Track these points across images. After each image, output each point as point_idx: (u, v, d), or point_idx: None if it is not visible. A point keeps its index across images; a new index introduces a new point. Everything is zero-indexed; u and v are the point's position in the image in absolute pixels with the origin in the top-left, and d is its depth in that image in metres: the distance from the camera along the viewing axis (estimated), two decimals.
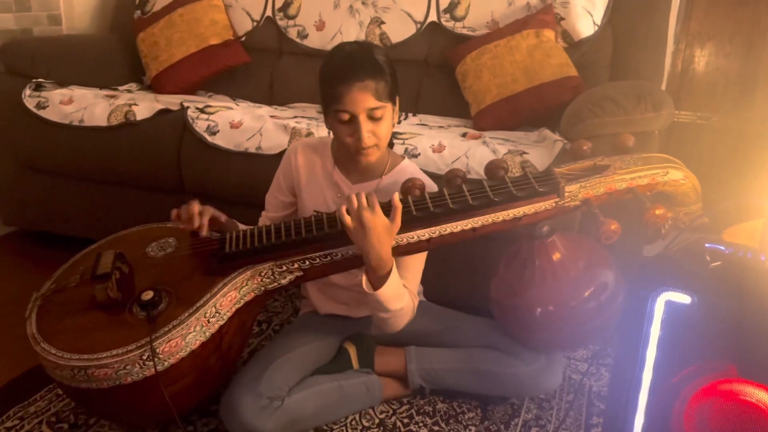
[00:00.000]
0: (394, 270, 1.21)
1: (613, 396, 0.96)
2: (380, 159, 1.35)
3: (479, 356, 1.41)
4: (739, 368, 0.80)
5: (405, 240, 1.22)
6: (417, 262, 1.36)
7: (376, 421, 1.40)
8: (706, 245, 0.86)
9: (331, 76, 1.25)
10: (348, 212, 1.15)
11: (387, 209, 1.17)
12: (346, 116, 1.24)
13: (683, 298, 0.80)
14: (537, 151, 1.68)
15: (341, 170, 1.39)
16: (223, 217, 1.32)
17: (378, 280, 1.20)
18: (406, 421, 1.40)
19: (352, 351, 1.44)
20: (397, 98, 1.32)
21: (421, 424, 1.39)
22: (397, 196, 1.17)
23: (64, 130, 2.04)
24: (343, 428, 1.37)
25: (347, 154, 1.32)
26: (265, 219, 1.50)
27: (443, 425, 1.39)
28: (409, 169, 1.42)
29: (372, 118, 1.24)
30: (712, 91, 2.56)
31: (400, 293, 1.25)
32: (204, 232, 1.26)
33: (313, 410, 1.31)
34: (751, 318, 0.76)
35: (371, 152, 1.28)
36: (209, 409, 1.39)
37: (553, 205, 1.23)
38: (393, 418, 1.41)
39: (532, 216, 1.24)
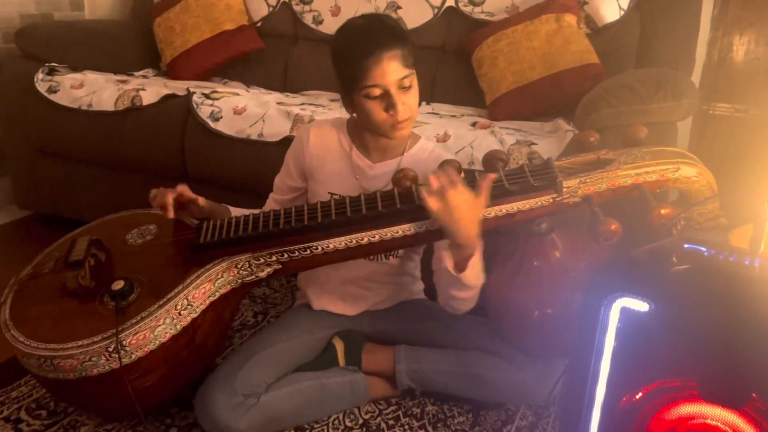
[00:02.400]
0: (479, 251, 1.13)
1: (564, 414, 0.86)
2: (404, 137, 1.30)
3: (472, 359, 1.34)
4: (701, 387, 0.70)
5: (389, 236, 1.15)
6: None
7: (360, 421, 1.34)
8: (685, 246, 0.76)
9: (352, 53, 1.18)
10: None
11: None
12: (377, 91, 1.18)
13: (640, 305, 0.70)
14: (547, 141, 1.58)
15: (359, 149, 1.33)
16: (200, 201, 1.26)
17: (461, 261, 1.12)
18: (391, 422, 1.34)
19: (340, 347, 1.38)
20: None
21: (406, 427, 1.33)
22: (491, 177, 1.09)
23: (74, 114, 2.03)
24: (325, 428, 1.32)
25: (378, 133, 1.25)
26: (271, 201, 1.46)
27: (430, 429, 1.33)
28: (428, 146, 1.36)
29: (402, 87, 1.19)
30: (750, 82, 2.39)
31: (480, 273, 1.16)
32: (170, 214, 1.20)
33: (292, 409, 1.26)
34: (718, 329, 0.66)
35: (406, 125, 1.22)
36: (190, 401, 1.35)
37: (550, 200, 1.15)
38: (378, 419, 1.35)
39: (528, 212, 1.16)
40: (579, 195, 1.15)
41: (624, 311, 0.71)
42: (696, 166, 1.17)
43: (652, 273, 0.72)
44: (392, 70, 1.17)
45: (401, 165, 1.31)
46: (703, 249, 0.75)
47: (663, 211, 1.08)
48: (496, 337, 1.35)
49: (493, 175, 1.10)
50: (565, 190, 1.13)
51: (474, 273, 1.14)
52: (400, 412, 1.37)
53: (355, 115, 1.28)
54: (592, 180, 1.14)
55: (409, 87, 1.20)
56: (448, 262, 1.13)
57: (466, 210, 1.06)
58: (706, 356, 0.67)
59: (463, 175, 1.14)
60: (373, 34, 1.18)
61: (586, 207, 1.17)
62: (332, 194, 1.33)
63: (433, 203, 1.05)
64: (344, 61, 1.21)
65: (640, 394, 0.72)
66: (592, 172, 1.14)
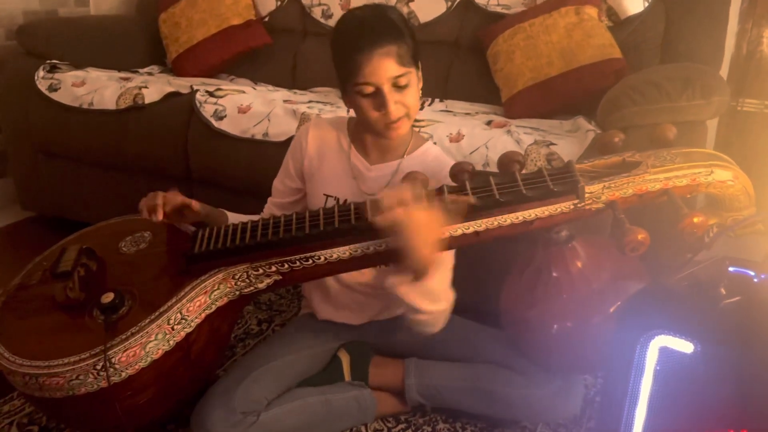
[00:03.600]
0: (437, 271, 1.04)
1: None
2: (402, 138, 1.22)
3: (487, 374, 1.25)
4: None
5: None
6: (447, 255, 1.19)
7: None
8: (730, 269, 0.67)
9: (345, 47, 1.12)
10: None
11: None
12: (369, 89, 1.11)
13: (684, 346, 0.60)
14: (567, 142, 1.49)
15: (358, 150, 1.26)
16: (193, 205, 1.19)
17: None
18: None
19: (346, 360, 1.31)
20: (420, 63, 1.18)
21: None
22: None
23: (74, 113, 1.98)
24: None
25: (373, 132, 1.19)
26: (270, 205, 1.39)
27: None
28: (432, 151, 1.28)
29: (397, 86, 1.12)
30: None
31: (440, 294, 1.07)
32: (159, 216, 1.14)
33: (294, 427, 1.19)
34: None
35: (401, 124, 1.15)
36: (188, 417, 1.28)
37: (571, 207, 1.06)
38: None
39: (547, 219, 1.07)
40: (603, 201, 1.06)
41: (664, 351, 0.62)
42: (731, 169, 1.07)
43: (697, 307, 0.63)
44: (385, 69, 1.09)
45: (400, 168, 1.23)
46: (752, 274, 0.65)
47: (696, 220, 0.98)
48: (513, 351, 1.26)
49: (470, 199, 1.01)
50: (587, 195, 1.04)
51: (426, 295, 1.04)
52: (409, 431, 1.29)
53: (353, 112, 1.21)
54: (617, 185, 1.05)
55: (406, 86, 1.12)
56: (398, 285, 1.03)
57: (420, 232, 0.97)
58: (760, 406, 0.58)
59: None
60: (367, 29, 1.11)
61: (609, 213, 1.08)
62: (327, 195, 1.25)
63: (380, 222, 0.97)
64: (339, 55, 1.15)
65: None
66: (617, 176, 1.05)
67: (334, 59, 1.17)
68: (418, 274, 1.02)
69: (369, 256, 1.08)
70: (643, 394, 0.64)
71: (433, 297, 1.06)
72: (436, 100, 2.06)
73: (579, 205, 1.05)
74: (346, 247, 1.07)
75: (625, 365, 0.64)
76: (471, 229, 1.06)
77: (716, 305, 0.63)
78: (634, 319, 0.64)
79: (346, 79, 1.13)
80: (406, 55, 1.11)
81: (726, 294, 0.64)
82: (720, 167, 1.06)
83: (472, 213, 1.05)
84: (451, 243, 1.07)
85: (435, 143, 1.52)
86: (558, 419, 1.29)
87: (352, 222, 1.06)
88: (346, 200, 1.23)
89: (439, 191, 1.06)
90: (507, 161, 1.13)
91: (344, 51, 1.12)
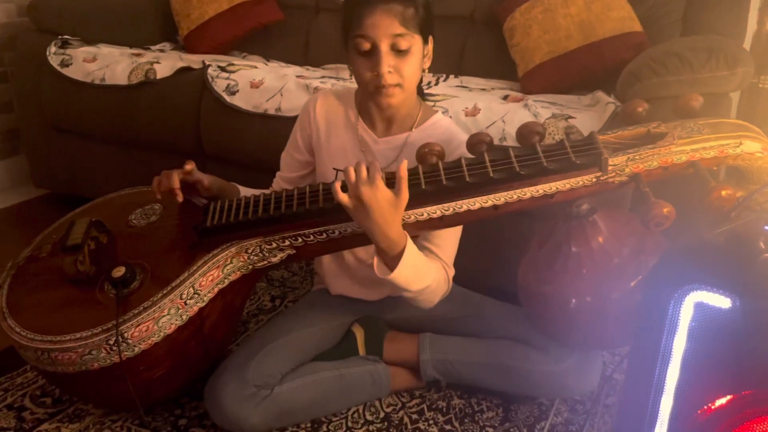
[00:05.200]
0: (410, 247, 1.04)
1: (622, 428, 0.74)
2: (409, 110, 1.20)
3: (503, 349, 1.23)
4: None
5: (413, 217, 1.04)
6: (451, 229, 1.19)
7: (381, 414, 1.25)
8: (766, 227, 0.64)
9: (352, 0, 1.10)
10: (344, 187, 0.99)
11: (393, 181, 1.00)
12: (366, 44, 1.08)
13: (721, 301, 0.57)
14: (585, 115, 1.45)
15: (366, 122, 1.24)
16: (205, 181, 1.17)
17: (391, 261, 1.04)
18: (414, 417, 1.25)
19: (360, 335, 1.29)
20: (431, 39, 1.15)
21: (431, 422, 1.23)
22: (404, 166, 0.99)
23: (86, 88, 1.96)
24: (343, 421, 1.23)
25: (368, 97, 1.16)
26: (279, 180, 1.36)
27: (456, 424, 1.23)
28: (442, 123, 1.24)
29: (396, 49, 1.08)
30: None
31: (422, 272, 1.08)
32: (179, 198, 1.13)
33: (308, 401, 1.17)
34: None
35: (393, 92, 1.11)
36: (202, 391, 1.27)
37: (594, 180, 1.03)
38: (400, 413, 1.25)
39: (568, 193, 1.04)
40: (626, 174, 1.03)
41: (699, 307, 0.58)
42: (761, 141, 1.04)
43: (736, 261, 0.60)
44: (385, 24, 1.06)
45: (408, 141, 1.20)
46: None
47: (724, 193, 0.95)
48: (529, 326, 1.24)
49: (405, 162, 0.99)
50: (610, 168, 1.01)
51: (407, 274, 1.04)
52: (424, 406, 1.28)
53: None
54: (642, 157, 1.01)
55: (406, 51, 1.09)
56: (375, 263, 1.04)
57: (384, 208, 0.97)
58: None
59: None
60: None
61: (630, 186, 1.05)
62: (337, 170, 1.23)
63: (345, 200, 0.97)
64: (345, 7, 1.13)
65: (716, 408, 0.60)
66: (642, 147, 1.02)
67: (342, 14, 1.14)
68: (391, 252, 1.02)
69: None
70: (676, 352, 0.61)
71: (415, 277, 1.06)
72: (451, 76, 2.01)
73: (602, 178, 1.02)
74: None
75: (657, 323, 0.61)
76: (489, 203, 1.04)
77: (756, 259, 0.60)
78: (667, 273, 0.61)
79: (347, 31, 1.11)
80: (411, 19, 1.08)
81: (766, 248, 0.61)
82: (749, 138, 1.02)
83: (489, 186, 1.03)
84: (469, 216, 1.05)
85: (450, 117, 1.49)
86: (575, 395, 1.27)
87: None
88: None
89: (457, 164, 1.04)
90: (527, 132, 1.09)
91: (350, 2, 1.10)
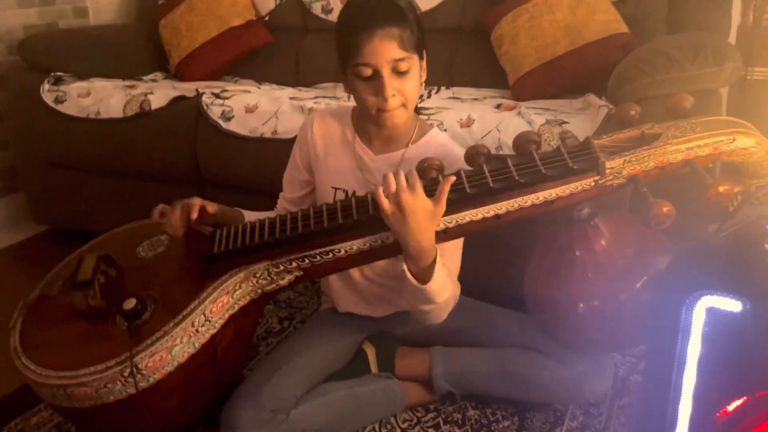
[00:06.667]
0: (439, 259, 1.05)
1: None
2: (406, 126, 1.21)
3: (514, 358, 1.24)
4: None
5: None
6: (453, 244, 1.20)
7: (398, 431, 1.25)
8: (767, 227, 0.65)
9: (347, 27, 1.10)
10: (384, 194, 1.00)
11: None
12: (367, 71, 1.09)
13: (732, 305, 0.59)
14: (579, 119, 1.47)
15: (362, 140, 1.25)
16: (209, 209, 1.18)
17: (420, 272, 1.05)
18: (431, 430, 1.25)
19: (371, 352, 1.30)
20: (425, 53, 1.16)
21: None
22: (450, 180, 1.00)
23: (82, 123, 1.97)
24: None
25: (370, 120, 1.17)
26: (282, 201, 1.38)
27: None
28: (438, 138, 1.26)
29: (397, 71, 1.09)
30: None
31: (446, 283, 1.09)
32: (179, 235, 1.14)
33: (324, 422, 1.18)
34: None
35: (398, 114, 1.13)
36: (217, 419, 1.27)
37: (592, 184, 1.04)
38: (417, 428, 1.26)
39: (568, 198, 1.06)
40: (624, 176, 1.04)
41: (711, 312, 0.60)
42: (753, 135, 1.05)
43: (743, 264, 0.61)
44: (385, 50, 1.07)
45: (405, 157, 1.22)
46: None
47: (721, 189, 0.96)
48: (539, 333, 1.25)
49: (452, 178, 1.01)
50: (608, 170, 1.03)
51: (438, 284, 1.06)
52: (440, 419, 1.28)
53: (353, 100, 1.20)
54: (638, 158, 1.03)
55: (406, 72, 1.10)
56: (406, 272, 1.05)
57: (421, 217, 0.98)
58: None
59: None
60: (371, 9, 1.09)
61: (629, 188, 1.07)
62: (335, 188, 1.24)
63: (386, 206, 0.98)
64: (340, 36, 1.13)
65: (734, 410, 0.61)
66: (637, 149, 1.03)
67: (336, 42, 1.15)
68: (423, 262, 1.03)
69: (388, 246, 1.07)
70: (691, 357, 0.62)
71: (441, 286, 1.07)
72: (443, 87, 2.04)
73: (600, 182, 1.04)
74: (366, 238, 1.06)
75: (670, 329, 0.62)
76: (491, 213, 1.05)
77: (763, 261, 0.61)
78: (678, 280, 0.62)
79: (346, 59, 1.11)
80: (408, 41, 1.09)
81: None
82: (742, 134, 1.04)
83: (490, 196, 1.04)
84: (472, 227, 1.06)
85: (445, 130, 1.50)
86: (590, 399, 1.28)
87: (370, 212, 1.05)
88: (354, 192, 1.22)
89: (456, 176, 1.05)
90: (523, 141, 1.11)
91: (346, 30, 1.11)
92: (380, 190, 0.99)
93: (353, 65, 1.09)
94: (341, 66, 1.15)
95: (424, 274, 1.05)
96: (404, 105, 1.13)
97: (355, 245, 1.07)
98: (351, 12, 1.12)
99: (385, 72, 1.08)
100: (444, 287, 1.08)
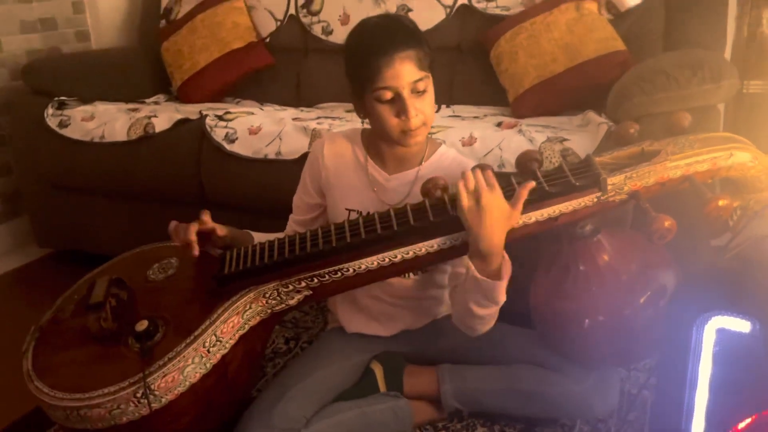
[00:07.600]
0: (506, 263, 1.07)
1: None
2: (419, 145, 1.23)
3: (522, 374, 1.25)
4: None
5: (424, 251, 1.07)
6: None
7: None
8: None
9: (363, 53, 1.12)
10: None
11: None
12: (388, 94, 1.11)
13: (741, 325, 0.60)
14: (579, 136, 1.49)
15: (375, 161, 1.27)
16: (218, 231, 1.20)
17: (489, 274, 1.05)
18: None
19: (379, 372, 1.31)
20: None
21: None
22: (528, 186, 1.03)
23: (86, 147, 1.99)
24: None
25: (391, 140, 1.18)
26: (292, 222, 1.39)
27: None
28: (449, 154, 1.29)
29: (416, 92, 1.12)
30: None
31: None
32: (195, 252, 1.15)
33: None
34: None
35: (420, 132, 1.15)
36: None
37: (595, 200, 1.06)
38: None
39: (571, 214, 1.08)
40: (625, 192, 1.06)
41: (721, 333, 0.61)
42: (749, 150, 1.08)
43: (751, 285, 0.63)
44: (405, 72, 1.10)
45: (419, 176, 1.24)
46: None
47: (721, 203, 0.99)
48: (545, 349, 1.26)
49: (531, 183, 1.03)
50: (609, 187, 1.05)
51: (503, 287, 1.07)
52: None
53: (367, 123, 1.22)
54: (639, 174, 1.05)
55: (423, 91, 1.13)
56: (474, 271, 1.05)
57: (497, 217, 1.00)
58: None
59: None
60: (387, 34, 1.11)
61: (630, 204, 1.09)
62: (349, 210, 1.26)
63: (465, 200, 1.01)
64: (356, 62, 1.15)
65: (746, 427, 0.62)
66: (638, 165, 1.06)
67: (349, 68, 1.17)
68: (492, 263, 1.04)
69: (396, 265, 1.09)
70: (703, 377, 0.64)
71: (504, 289, 1.08)
72: (443, 106, 2.07)
73: (602, 198, 1.06)
74: (374, 257, 1.08)
75: (681, 350, 0.64)
76: None
77: None
78: (687, 302, 0.64)
79: (364, 85, 1.13)
80: (424, 60, 1.12)
81: None
82: (739, 149, 1.06)
83: None
84: None
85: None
86: (597, 414, 1.28)
87: (378, 232, 1.06)
88: (368, 212, 1.23)
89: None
90: (525, 160, 1.13)
91: (362, 56, 1.12)
92: (461, 184, 1.02)
93: (374, 90, 1.11)
94: (356, 91, 1.17)
95: (495, 275, 1.05)
96: (425, 123, 1.15)
97: (363, 264, 1.08)
98: (366, 38, 1.14)
99: (406, 93, 1.11)
100: (503, 293, 1.08)
